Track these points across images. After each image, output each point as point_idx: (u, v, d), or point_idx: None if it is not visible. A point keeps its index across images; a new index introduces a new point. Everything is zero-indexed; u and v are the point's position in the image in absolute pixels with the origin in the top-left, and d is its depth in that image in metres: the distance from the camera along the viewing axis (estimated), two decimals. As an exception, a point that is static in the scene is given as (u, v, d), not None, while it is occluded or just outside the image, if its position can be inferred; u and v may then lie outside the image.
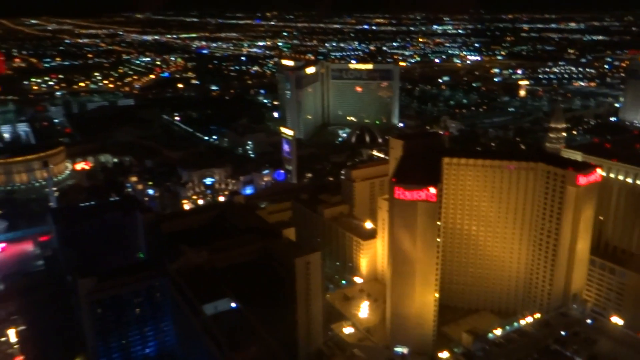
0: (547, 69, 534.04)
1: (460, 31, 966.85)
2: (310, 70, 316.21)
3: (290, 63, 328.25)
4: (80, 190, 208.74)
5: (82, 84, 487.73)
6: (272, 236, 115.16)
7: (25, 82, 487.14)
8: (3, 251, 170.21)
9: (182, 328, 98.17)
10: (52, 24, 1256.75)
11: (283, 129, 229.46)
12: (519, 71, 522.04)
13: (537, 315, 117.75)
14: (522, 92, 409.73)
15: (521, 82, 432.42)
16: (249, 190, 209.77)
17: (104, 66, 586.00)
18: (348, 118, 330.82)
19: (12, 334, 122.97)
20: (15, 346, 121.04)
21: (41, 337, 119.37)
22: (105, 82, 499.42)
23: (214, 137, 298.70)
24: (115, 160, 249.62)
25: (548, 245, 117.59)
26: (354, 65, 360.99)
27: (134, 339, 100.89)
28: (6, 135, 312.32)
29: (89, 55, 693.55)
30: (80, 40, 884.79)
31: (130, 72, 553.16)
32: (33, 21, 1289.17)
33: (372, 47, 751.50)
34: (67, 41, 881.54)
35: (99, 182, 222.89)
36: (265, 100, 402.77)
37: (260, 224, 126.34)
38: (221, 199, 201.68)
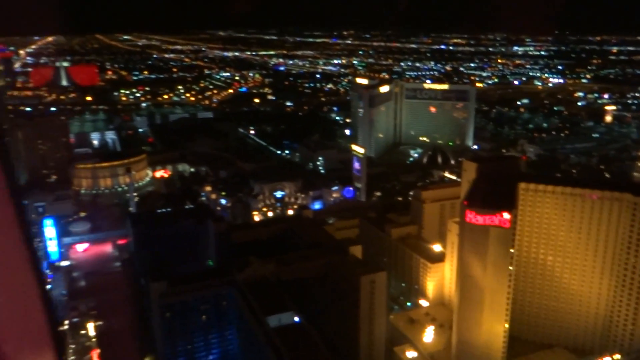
0: (638, 94, 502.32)
1: (542, 53, 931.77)
2: (384, 89, 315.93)
3: (364, 81, 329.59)
4: (158, 197, 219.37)
5: (166, 97, 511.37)
6: (339, 252, 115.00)
7: (115, 93, 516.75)
8: (85, 251, 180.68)
9: (245, 338, 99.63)
10: (143, 39, 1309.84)
11: (354, 147, 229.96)
12: (606, 95, 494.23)
13: (617, 357, 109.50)
14: (608, 118, 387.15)
15: (607, 107, 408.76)
16: (317, 206, 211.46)
17: (186, 80, 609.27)
18: (420, 138, 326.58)
19: (91, 328, 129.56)
20: (93, 339, 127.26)
21: (115, 335, 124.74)
22: (187, 95, 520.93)
23: (287, 151, 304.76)
24: (192, 169, 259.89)
25: (632, 282, 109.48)
26: (428, 85, 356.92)
27: (198, 345, 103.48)
28: (95, 142, 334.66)
29: (174, 70, 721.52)
30: (166, 55, 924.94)
31: (211, 87, 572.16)
32: (125, 37, 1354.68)
33: (448, 68, 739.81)
34: (155, 56, 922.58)
35: (175, 190, 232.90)
36: (337, 118, 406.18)
37: (327, 239, 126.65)
38: (290, 212, 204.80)
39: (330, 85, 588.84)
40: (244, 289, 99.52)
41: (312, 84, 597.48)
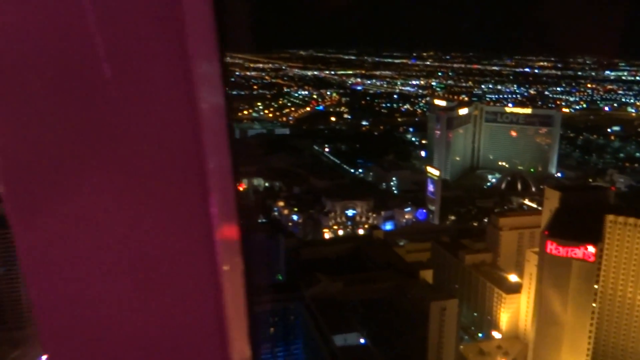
0: None
1: (638, 78, 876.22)
2: (463, 111, 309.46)
3: (442, 103, 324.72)
4: None
5: (245, 112, 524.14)
6: (409, 276, 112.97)
7: None
8: None
9: (310, 354, 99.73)
10: (227, 57, 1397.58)
11: (429, 169, 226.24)
12: None
13: None
14: None
15: None
16: (388, 226, 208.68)
17: (266, 97, 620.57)
18: (499, 163, 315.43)
19: None
20: None
21: None
22: (266, 111, 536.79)
23: (360, 170, 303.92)
24: (267, 184, 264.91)
25: None
26: (510, 108, 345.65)
27: (265, 357, 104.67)
28: None
29: (254, 87, 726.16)
30: (248, 73, 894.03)
31: (289, 104, 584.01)
32: None
33: (532, 91, 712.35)
34: (237, 73, 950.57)
35: (250, 204, 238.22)
36: (413, 139, 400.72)
37: (397, 261, 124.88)
38: (361, 231, 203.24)
39: (407, 106, 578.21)
40: (311, 306, 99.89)
41: (388, 104, 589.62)
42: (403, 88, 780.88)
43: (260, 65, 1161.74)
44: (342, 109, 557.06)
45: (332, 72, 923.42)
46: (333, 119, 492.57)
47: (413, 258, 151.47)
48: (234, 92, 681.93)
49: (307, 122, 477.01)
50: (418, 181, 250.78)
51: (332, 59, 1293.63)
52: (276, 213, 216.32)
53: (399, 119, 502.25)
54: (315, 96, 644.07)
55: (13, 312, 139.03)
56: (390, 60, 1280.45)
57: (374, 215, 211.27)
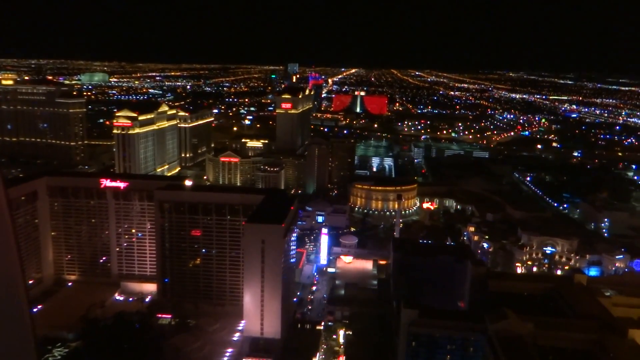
0: None
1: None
2: None
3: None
4: (422, 228, 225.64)
5: (444, 132, 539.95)
6: (613, 332, 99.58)
7: (399, 124, 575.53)
8: (349, 264, 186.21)
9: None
10: (432, 76, 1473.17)
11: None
12: None
13: None
14: None
15: None
16: (593, 272, 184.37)
17: (467, 118, 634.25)
18: None
19: (341, 335, 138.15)
20: (341, 346, 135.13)
21: (360, 347, 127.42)
22: (466, 133, 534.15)
23: (565, 205, 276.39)
24: (458, 207, 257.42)
25: None
26: None
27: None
28: (374, 166, 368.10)
29: (456, 107, 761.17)
30: (452, 93, 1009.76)
31: (491, 127, 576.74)
32: (417, 73, 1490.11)
33: None
34: (440, 92, 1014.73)
35: (439, 224, 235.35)
36: (636, 177, 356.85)
37: (601, 313, 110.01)
38: (558, 272, 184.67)
39: (632, 140, 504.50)
40: (494, 342, 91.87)
41: (608, 136, 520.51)
42: (630, 119, 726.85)
43: (465, 86, 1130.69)
44: (552, 136, 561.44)
45: (544, 97, 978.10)
46: (539, 146, 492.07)
47: (621, 313, 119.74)
48: (435, 111, 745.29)
49: (508, 147, 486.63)
50: (637, 226, 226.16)
51: (545, 82, 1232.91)
52: (465, 238, 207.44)
53: (619, 153, 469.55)
54: (520, 121, 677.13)
55: (218, 290, 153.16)
56: (615, 87, 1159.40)
57: (577, 257, 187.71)
